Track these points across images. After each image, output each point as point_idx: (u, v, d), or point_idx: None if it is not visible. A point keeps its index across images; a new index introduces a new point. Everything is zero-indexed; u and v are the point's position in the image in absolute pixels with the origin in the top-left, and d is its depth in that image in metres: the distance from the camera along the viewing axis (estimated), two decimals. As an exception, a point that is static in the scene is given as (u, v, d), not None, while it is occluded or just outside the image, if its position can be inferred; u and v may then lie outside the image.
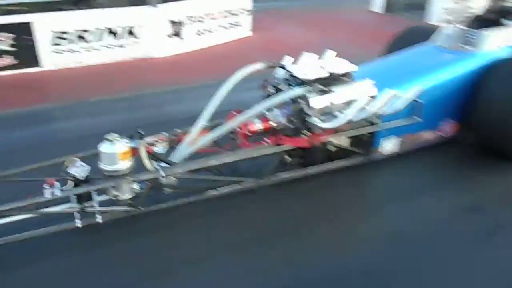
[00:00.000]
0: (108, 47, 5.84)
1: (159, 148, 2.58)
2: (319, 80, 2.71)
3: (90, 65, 5.74)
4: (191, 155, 2.63)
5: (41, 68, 5.51)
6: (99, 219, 2.35)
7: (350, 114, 2.65)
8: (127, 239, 2.43)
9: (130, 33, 5.90)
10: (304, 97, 2.67)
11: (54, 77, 5.41)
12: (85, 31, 5.61)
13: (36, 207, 2.24)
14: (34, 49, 5.38)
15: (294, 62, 2.96)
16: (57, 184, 2.28)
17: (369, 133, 3.02)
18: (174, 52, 6.32)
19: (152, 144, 2.63)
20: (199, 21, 6.60)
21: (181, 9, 6.34)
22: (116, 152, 2.32)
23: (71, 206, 2.32)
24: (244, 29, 7.40)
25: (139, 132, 2.42)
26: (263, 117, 2.81)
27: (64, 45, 5.55)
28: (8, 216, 2.24)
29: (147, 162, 2.44)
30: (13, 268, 2.17)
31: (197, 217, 2.61)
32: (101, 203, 2.41)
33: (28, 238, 2.22)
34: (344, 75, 2.83)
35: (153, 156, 2.48)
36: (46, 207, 2.30)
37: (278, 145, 2.74)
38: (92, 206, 2.35)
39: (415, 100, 2.89)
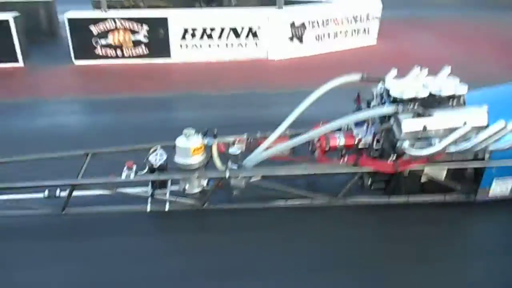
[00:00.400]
0: (230, 46, 6.14)
1: (235, 149, 2.57)
2: (415, 100, 2.38)
3: (212, 61, 6.12)
4: (265, 160, 2.58)
5: (170, 60, 6.07)
6: (166, 207, 2.47)
7: (445, 142, 2.27)
8: (190, 231, 2.50)
9: (252, 33, 6.11)
10: (395, 117, 2.38)
11: (178, 69, 5.92)
12: (212, 29, 6.00)
13: (115, 185, 2.46)
14: (167, 42, 5.97)
15: (399, 77, 2.67)
16: (135, 167, 2.46)
17: (476, 169, 2.56)
18: (293, 55, 6.34)
19: (229, 144, 2.66)
20: (322, 26, 6.49)
21: (305, 12, 6.32)
22: (189, 147, 2.40)
23: (144, 191, 2.49)
24: (369, 37, 7.03)
25: (213, 131, 2.47)
26: (348, 133, 2.60)
27: (192, 41, 6.02)
28: (88, 189, 2.51)
29: (217, 161, 2.47)
30: (83, 238, 2.41)
31: (259, 226, 2.54)
32: (172, 193, 2.52)
33: (101, 213, 2.44)
34: (451, 97, 2.44)
35: (224, 155, 2.51)
36: (123, 187, 2.50)
37: (356, 165, 2.50)
38: (163, 194, 2.48)
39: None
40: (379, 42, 7.08)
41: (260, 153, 2.56)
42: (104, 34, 5.85)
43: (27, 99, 4.75)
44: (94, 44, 5.88)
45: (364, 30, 6.95)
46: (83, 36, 5.82)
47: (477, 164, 2.52)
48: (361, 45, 6.93)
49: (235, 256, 2.30)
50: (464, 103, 2.48)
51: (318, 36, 6.52)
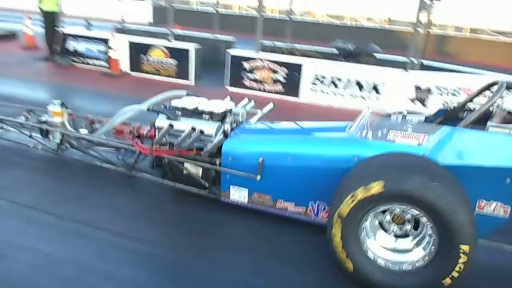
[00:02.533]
0: (353, 96, 6.81)
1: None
2: (181, 109, 3.32)
3: (334, 107, 6.87)
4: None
5: (298, 99, 7.10)
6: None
7: (178, 140, 3.17)
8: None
9: (375, 89, 6.65)
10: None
11: (304, 108, 6.87)
12: (338, 79, 6.80)
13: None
14: (298, 84, 7.03)
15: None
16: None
17: (218, 173, 3.16)
18: (414, 115, 6.57)
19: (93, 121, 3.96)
20: (452, 94, 6.53)
21: (433, 78, 6.51)
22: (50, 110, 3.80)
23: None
24: None
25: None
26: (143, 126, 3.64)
27: (319, 86, 6.93)
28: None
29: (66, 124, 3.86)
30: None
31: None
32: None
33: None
34: (225, 112, 3.35)
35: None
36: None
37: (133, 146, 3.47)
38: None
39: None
40: None
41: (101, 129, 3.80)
42: (252, 70, 7.29)
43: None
44: (244, 76, 7.37)
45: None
46: (237, 69, 7.37)
47: (208, 166, 3.15)
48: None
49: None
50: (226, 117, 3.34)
51: (445, 102, 6.58)
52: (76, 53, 8.55)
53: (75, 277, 2.40)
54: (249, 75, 7.34)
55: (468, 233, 2.16)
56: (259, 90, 7.33)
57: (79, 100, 6.12)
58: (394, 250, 2.50)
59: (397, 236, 2.54)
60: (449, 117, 3.00)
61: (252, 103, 3.80)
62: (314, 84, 6.97)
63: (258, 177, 2.94)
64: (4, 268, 2.42)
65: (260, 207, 3.08)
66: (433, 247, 2.31)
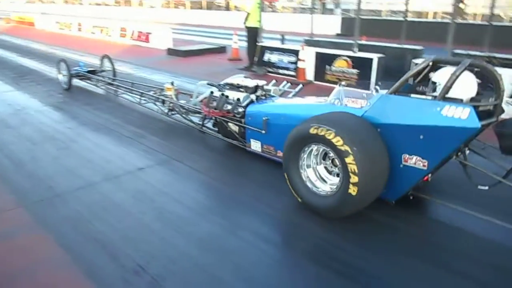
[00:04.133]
0: None
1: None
2: (230, 85, 4.79)
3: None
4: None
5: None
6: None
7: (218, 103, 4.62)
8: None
9: None
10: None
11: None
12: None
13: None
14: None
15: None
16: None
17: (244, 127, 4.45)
18: None
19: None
20: None
21: None
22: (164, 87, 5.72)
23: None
24: None
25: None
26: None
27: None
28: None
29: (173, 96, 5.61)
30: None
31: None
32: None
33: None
34: (257, 87, 4.61)
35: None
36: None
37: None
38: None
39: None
40: None
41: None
42: (438, 81, 6.91)
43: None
44: (428, 87, 7.05)
45: None
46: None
47: (238, 124, 4.48)
48: None
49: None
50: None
51: None
52: (270, 64, 9.67)
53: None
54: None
55: (355, 158, 2.85)
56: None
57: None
58: (322, 180, 3.40)
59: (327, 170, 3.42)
60: (411, 90, 3.33)
61: (289, 84, 5.02)
62: (512, 97, 6.17)
63: (263, 132, 4.12)
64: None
65: (268, 155, 4.23)
66: (339, 173, 3.10)
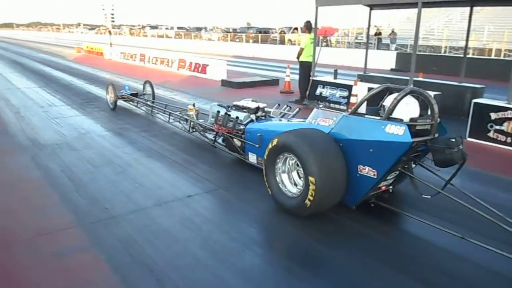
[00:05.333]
0: None
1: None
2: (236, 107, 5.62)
3: None
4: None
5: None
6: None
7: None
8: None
9: None
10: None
11: None
12: None
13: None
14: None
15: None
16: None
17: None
18: None
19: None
20: None
21: None
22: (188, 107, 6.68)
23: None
24: None
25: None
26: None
27: None
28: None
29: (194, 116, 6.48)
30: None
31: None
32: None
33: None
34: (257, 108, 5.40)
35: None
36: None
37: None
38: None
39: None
40: None
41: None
42: (500, 121, 6.56)
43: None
44: (488, 127, 6.71)
45: None
46: (482, 120, 6.77)
47: (240, 140, 5.24)
48: None
49: None
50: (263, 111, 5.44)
51: None
52: (321, 97, 9.69)
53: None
54: (497, 127, 6.64)
55: (314, 169, 3.44)
56: (506, 143, 6.51)
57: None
58: (292, 183, 4.00)
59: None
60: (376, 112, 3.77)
61: (288, 107, 5.60)
62: None
63: (257, 146, 4.77)
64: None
65: (261, 166, 4.43)
66: (302, 181, 3.74)
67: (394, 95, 3.45)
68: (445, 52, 22.36)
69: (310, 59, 9.87)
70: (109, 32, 25.14)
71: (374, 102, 3.98)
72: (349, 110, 3.86)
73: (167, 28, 55.30)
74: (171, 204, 4.12)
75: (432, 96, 3.48)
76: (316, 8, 9.24)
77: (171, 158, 5.60)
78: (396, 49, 23.69)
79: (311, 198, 3.49)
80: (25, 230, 3.56)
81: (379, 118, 3.50)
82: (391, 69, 17.98)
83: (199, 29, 55.44)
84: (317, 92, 9.79)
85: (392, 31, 26.11)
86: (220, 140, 5.79)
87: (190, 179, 4.87)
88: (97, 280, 2.90)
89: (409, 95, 3.43)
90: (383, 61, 18.88)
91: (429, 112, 3.51)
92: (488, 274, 3.05)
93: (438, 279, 2.96)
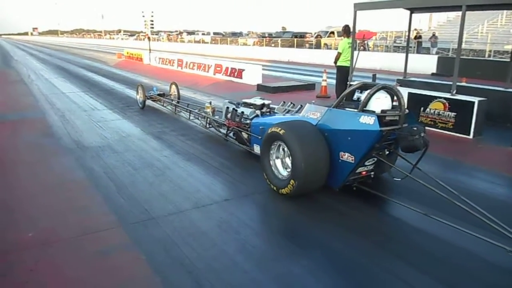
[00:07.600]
0: None
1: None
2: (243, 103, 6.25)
3: None
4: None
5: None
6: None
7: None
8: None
9: None
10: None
11: None
12: None
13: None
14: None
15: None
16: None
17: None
18: None
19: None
20: None
21: None
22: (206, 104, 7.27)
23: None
24: None
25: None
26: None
27: None
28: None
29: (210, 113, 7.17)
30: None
31: None
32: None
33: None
34: (262, 105, 5.98)
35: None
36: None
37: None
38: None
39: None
40: None
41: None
42: (552, 128, 6.19)
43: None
44: (539, 135, 6.35)
45: None
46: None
47: (247, 133, 5.87)
48: None
49: None
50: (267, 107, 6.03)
51: None
52: (358, 102, 9.50)
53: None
54: (547, 134, 6.27)
55: (298, 155, 4.04)
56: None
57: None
58: (285, 167, 4.50)
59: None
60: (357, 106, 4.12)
61: (292, 104, 5.84)
62: None
63: (260, 137, 5.11)
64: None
65: None
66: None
67: (369, 90, 3.95)
68: (489, 56, 21.44)
69: (347, 64, 9.72)
70: (148, 38, 25.83)
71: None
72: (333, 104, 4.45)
73: (203, 34, 56.23)
74: (208, 207, 4.16)
75: (398, 91, 4.04)
76: (355, 12, 9.09)
77: (208, 162, 5.66)
78: (437, 53, 22.95)
79: (297, 180, 4.05)
80: (70, 229, 3.70)
81: (356, 110, 3.97)
82: (432, 74, 17.39)
83: (235, 34, 56.02)
84: (355, 97, 9.59)
85: (433, 35, 25.33)
86: (231, 135, 6.38)
87: (226, 182, 4.91)
88: (139, 280, 2.98)
89: (382, 90, 3.95)
90: (424, 65, 18.29)
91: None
92: (447, 246, 3.47)
93: (405, 251, 3.40)
